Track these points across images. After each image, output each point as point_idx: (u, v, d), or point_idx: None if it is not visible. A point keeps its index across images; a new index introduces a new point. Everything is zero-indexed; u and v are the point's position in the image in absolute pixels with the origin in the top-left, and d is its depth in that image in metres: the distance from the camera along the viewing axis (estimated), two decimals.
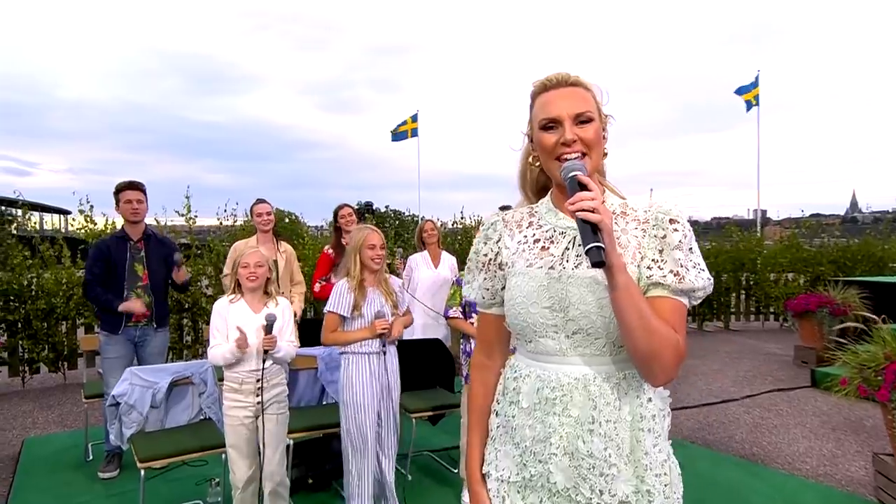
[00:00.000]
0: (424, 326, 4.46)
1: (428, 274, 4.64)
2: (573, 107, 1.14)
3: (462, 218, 10.62)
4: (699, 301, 1.15)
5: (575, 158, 1.12)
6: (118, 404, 3.12)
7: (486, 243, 1.31)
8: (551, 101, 1.16)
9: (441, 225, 10.86)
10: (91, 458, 3.91)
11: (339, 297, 2.92)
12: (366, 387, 2.90)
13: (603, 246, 0.97)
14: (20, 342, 6.00)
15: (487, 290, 1.30)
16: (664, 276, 1.10)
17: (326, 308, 2.96)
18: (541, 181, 1.31)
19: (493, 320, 1.32)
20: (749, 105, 12.83)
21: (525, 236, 1.25)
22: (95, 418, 4.43)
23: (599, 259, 0.97)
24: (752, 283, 9.66)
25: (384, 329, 2.88)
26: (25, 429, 4.65)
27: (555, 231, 1.22)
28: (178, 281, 3.91)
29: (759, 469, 3.77)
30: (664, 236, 1.13)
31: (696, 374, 6.36)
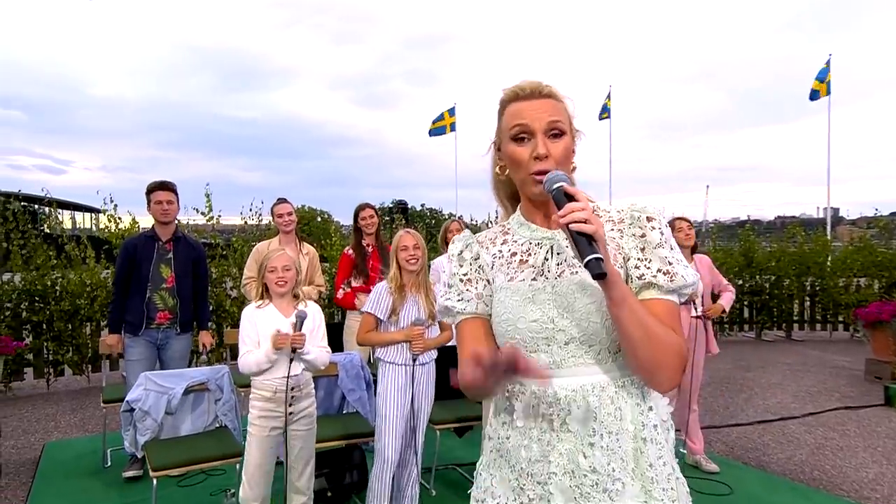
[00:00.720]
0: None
1: None
2: (546, 117, 1.15)
3: (496, 217, 10.57)
4: (685, 299, 1.16)
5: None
6: (132, 410, 3.20)
7: (461, 265, 1.29)
8: (524, 111, 1.16)
9: (480, 225, 10.82)
10: (109, 464, 4.04)
11: (378, 299, 3.00)
12: (398, 399, 2.96)
13: (602, 257, 0.98)
14: (45, 344, 6.25)
15: (490, 295, 1.25)
16: (655, 276, 1.12)
17: (364, 308, 3.06)
18: (512, 187, 1.30)
19: (484, 323, 1.26)
20: (816, 94, 12.36)
21: (500, 251, 1.26)
22: (117, 422, 4.57)
23: (601, 270, 0.97)
24: (818, 288, 9.33)
25: (419, 335, 2.93)
26: (48, 432, 4.84)
27: (531, 243, 1.22)
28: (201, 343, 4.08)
29: (820, 496, 3.60)
30: (643, 235, 1.14)
31: (753, 387, 6.15)
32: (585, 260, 0.97)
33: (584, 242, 0.98)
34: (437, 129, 17.20)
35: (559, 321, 1.13)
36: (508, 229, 1.28)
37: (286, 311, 2.83)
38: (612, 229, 1.17)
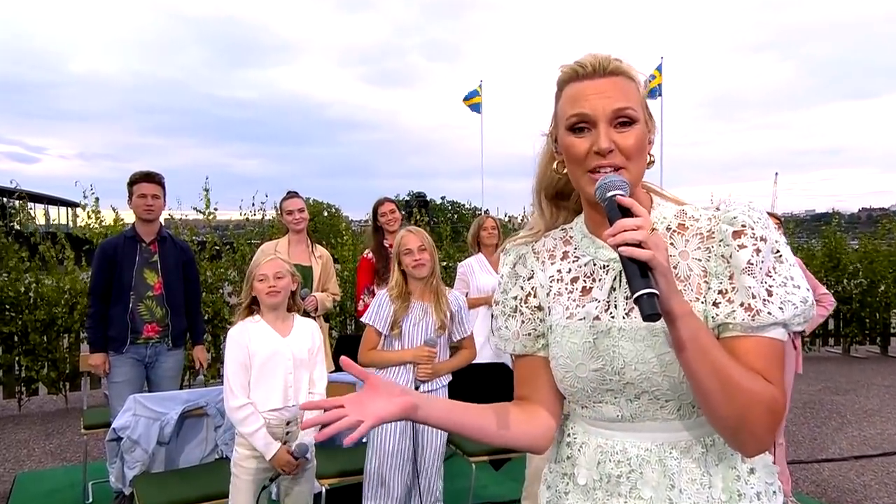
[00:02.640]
0: (484, 347, 4.38)
1: (488, 281, 4.56)
2: (611, 103, 1.04)
3: (531, 212, 10.49)
4: (801, 328, 1.05)
5: (611, 172, 1.03)
6: (120, 439, 3.18)
7: (514, 282, 1.25)
8: (583, 94, 1.07)
9: (509, 220, 10.74)
10: (91, 500, 4.02)
11: (378, 309, 2.94)
12: (397, 430, 2.89)
13: (657, 292, 0.89)
14: (17, 358, 6.29)
15: (528, 335, 1.23)
16: (732, 313, 1.01)
17: (364, 319, 2.99)
18: (559, 187, 1.24)
19: (537, 363, 1.23)
20: None
21: (559, 270, 1.19)
22: (100, 450, 4.58)
23: (654, 311, 0.88)
24: None
25: (428, 357, 2.86)
26: (19, 461, 4.85)
27: (595, 265, 1.15)
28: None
29: None
30: (730, 255, 1.03)
31: (845, 415, 5.98)
32: (634, 296, 0.89)
33: (636, 272, 0.90)
34: (476, 105, 17.19)
35: (626, 374, 1.07)
36: (571, 237, 1.21)
37: (282, 329, 2.75)
38: (699, 247, 1.07)
